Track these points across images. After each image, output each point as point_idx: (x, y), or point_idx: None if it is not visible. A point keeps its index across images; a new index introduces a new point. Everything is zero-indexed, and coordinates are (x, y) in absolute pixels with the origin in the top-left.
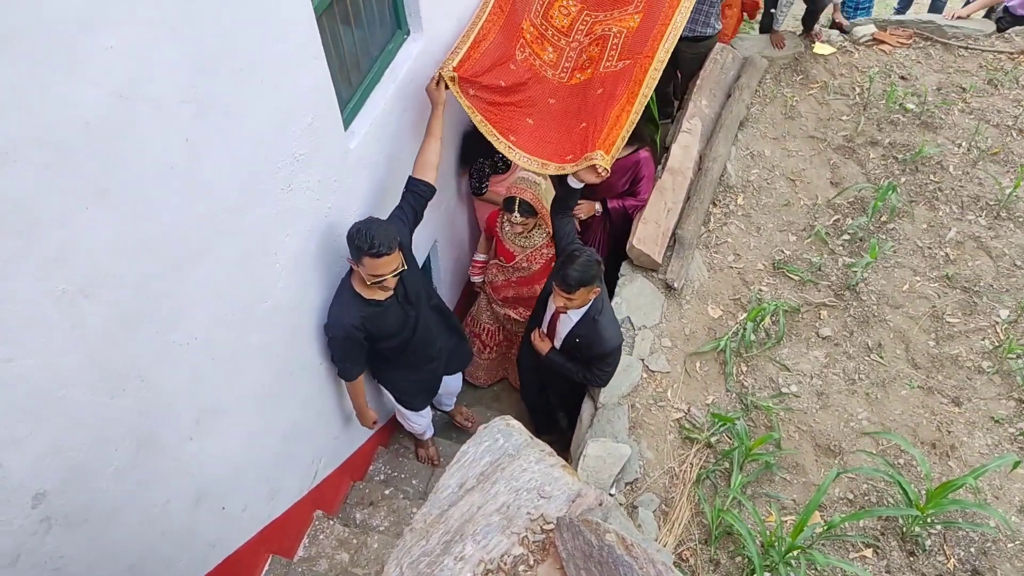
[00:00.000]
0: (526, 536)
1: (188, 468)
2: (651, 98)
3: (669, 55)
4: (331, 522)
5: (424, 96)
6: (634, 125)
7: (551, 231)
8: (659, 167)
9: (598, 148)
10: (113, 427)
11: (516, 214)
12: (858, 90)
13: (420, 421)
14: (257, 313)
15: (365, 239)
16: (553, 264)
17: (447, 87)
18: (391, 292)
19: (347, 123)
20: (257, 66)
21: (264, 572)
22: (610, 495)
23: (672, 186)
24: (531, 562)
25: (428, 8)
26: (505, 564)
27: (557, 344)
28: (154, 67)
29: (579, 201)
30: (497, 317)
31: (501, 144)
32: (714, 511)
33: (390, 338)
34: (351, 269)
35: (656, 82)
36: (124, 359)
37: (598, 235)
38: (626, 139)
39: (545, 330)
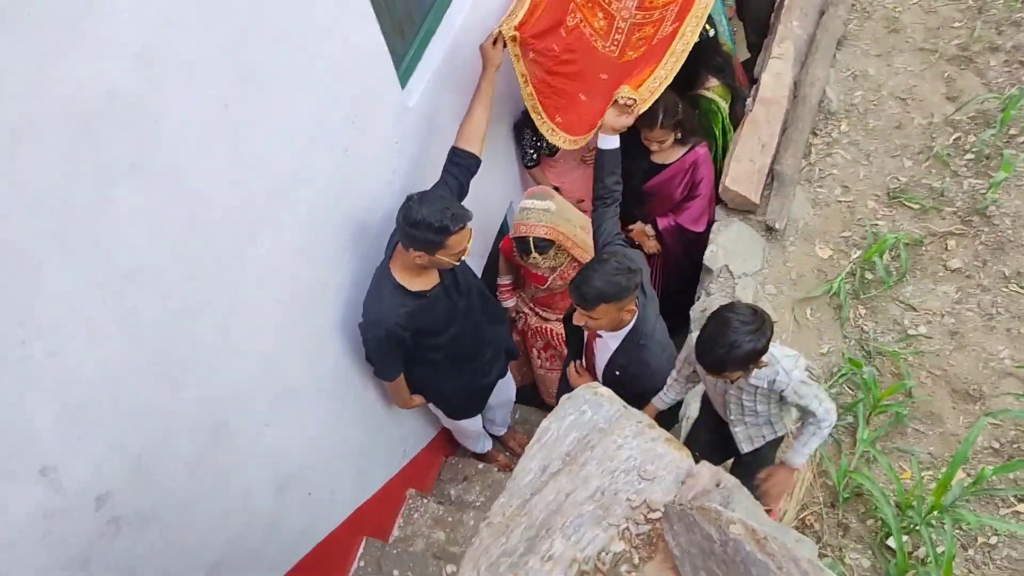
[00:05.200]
0: (627, 528)
1: (267, 455)
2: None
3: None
4: (425, 500)
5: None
6: (674, 71)
7: (573, 252)
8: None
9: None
10: (178, 420)
11: (535, 255)
12: None
13: (473, 427)
14: (327, 291)
15: (446, 217)
16: None
17: (504, 46)
18: (439, 280)
19: (403, 80)
20: (298, 25)
21: (359, 555)
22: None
23: (766, 118)
24: (635, 560)
25: None
26: (603, 564)
27: (597, 378)
28: (180, 29)
29: (630, 227)
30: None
31: (545, 125)
32: (840, 470)
33: (438, 334)
34: (388, 258)
35: (698, 29)
36: (184, 349)
37: (651, 269)
38: (665, 83)
39: (584, 361)
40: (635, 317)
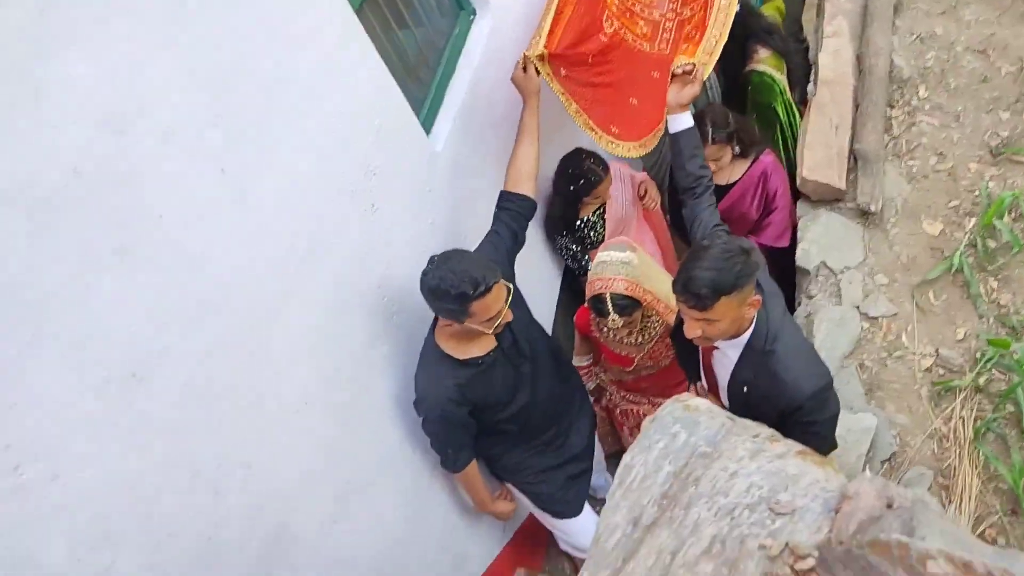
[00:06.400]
0: None
1: (337, 555)
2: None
3: None
4: None
5: (509, 80)
6: (726, 25)
7: (665, 317)
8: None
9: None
10: (227, 530)
11: (613, 316)
12: None
13: (585, 531)
14: (374, 359)
15: (464, 282)
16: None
17: (537, 72)
18: (495, 344)
19: (427, 125)
20: (293, 74)
21: None
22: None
23: (832, 99)
24: None
25: None
26: None
27: (724, 401)
28: (151, 91)
29: None
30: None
31: (603, 139)
32: (1014, 469)
33: (503, 406)
34: (433, 326)
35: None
36: (218, 445)
37: None
38: (721, 40)
39: (704, 383)
40: (754, 317)
